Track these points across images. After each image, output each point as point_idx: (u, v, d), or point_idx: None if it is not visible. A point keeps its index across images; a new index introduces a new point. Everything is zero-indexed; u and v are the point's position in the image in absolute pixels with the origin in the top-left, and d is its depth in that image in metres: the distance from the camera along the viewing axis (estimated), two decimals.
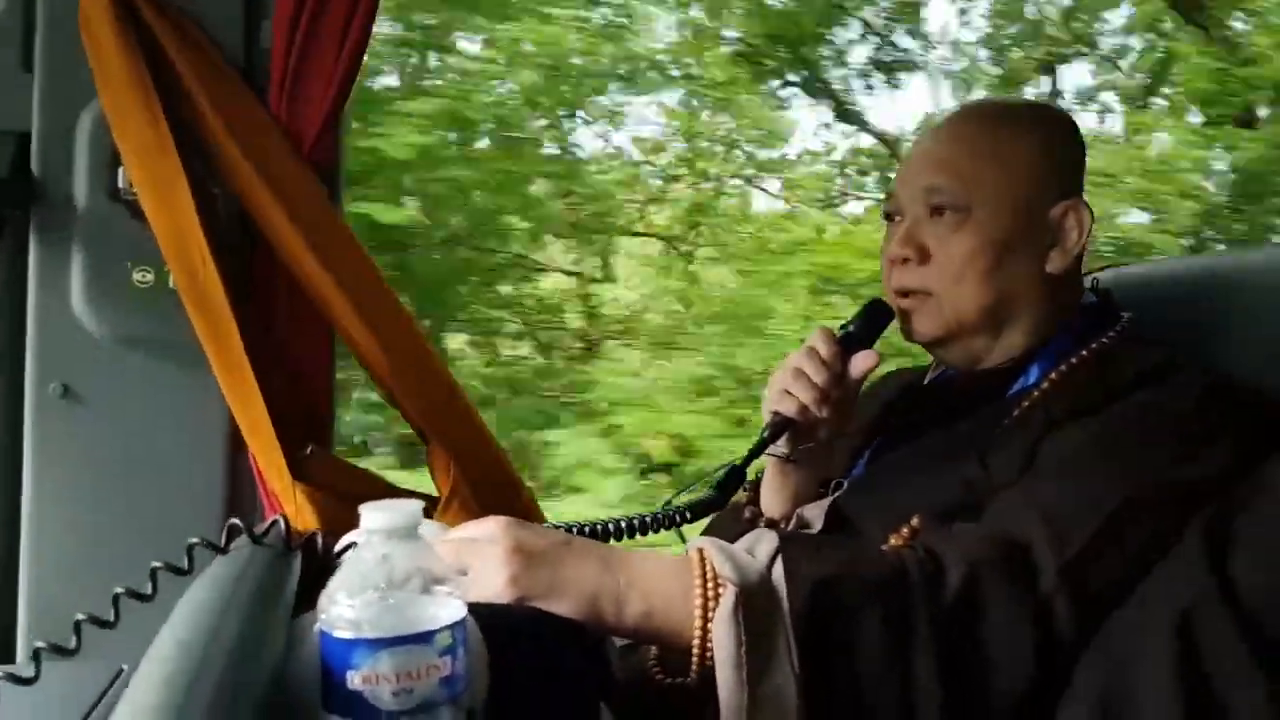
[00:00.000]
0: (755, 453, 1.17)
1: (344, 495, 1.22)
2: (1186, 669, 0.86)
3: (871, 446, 1.22)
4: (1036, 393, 1.07)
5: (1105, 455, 0.96)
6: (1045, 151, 1.13)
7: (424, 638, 0.62)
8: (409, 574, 0.64)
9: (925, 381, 1.26)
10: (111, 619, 0.80)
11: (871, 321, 1.19)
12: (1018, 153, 1.12)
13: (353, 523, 0.93)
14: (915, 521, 1.00)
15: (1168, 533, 0.92)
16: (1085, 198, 1.15)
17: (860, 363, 1.16)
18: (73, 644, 0.80)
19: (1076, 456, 0.97)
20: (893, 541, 1.00)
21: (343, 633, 0.62)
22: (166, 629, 0.73)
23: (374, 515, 0.65)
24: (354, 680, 0.61)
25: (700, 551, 0.88)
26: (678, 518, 1.12)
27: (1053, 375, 1.08)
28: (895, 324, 1.19)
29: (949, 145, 1.14)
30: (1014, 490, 0.97)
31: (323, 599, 0.64)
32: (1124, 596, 0.91)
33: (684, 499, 1.15)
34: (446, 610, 0.64)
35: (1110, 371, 1.04)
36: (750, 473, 1.20)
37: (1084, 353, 1.08)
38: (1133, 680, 0.87)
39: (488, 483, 1.32)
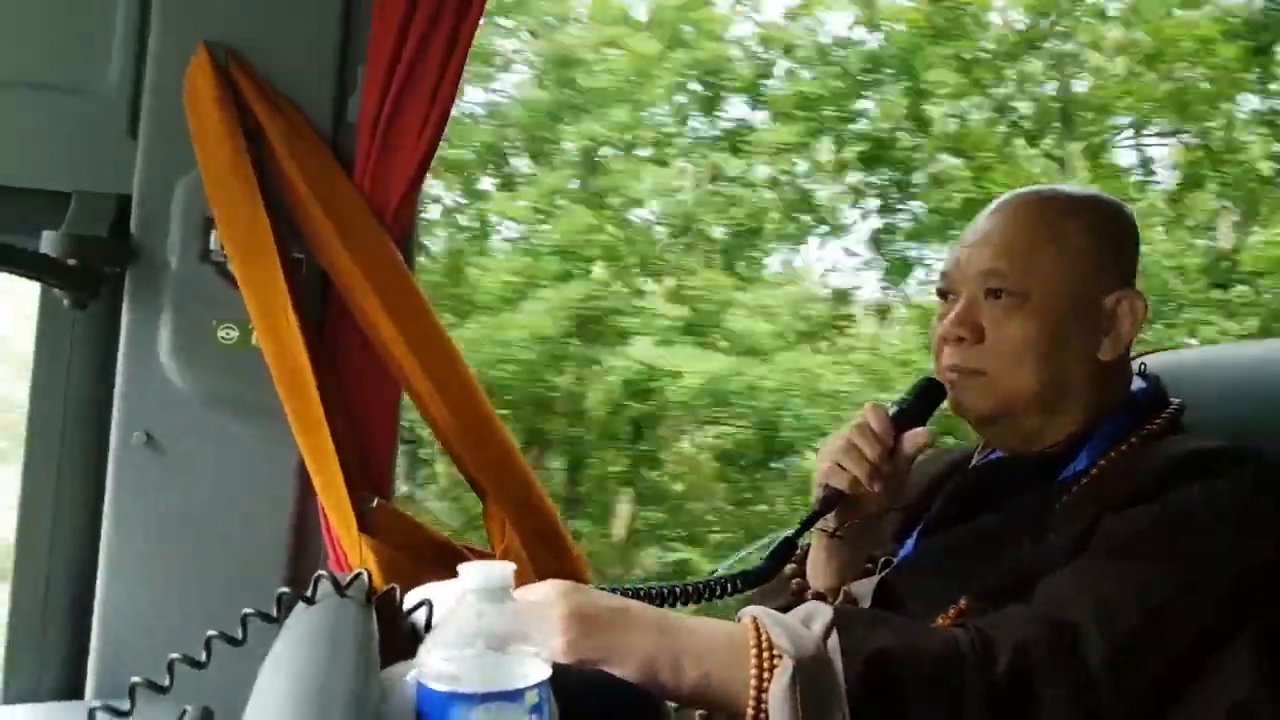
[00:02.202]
0: (806, 524, 1.18)
1: (404, 547, 1.27)
2: None
3: (919, 526, 1.22)
4: (1086, 478, 1.07)
5: (1157, 542, 0.96)
6: (1101, 240, 1.14)
7: (515, 695, 0.66)
8: (503, 633, 0.68)
9: (973, 464, 1.26)
10: (203, 659, 0.85)
11: (924, 399, 1.20)
12: (1076, 240, 1.13)
13: (412, 571, 0.97)
14: (963, 603, 1.02)
15: (1221, 623, 0.93)
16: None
17: (912, 440, 1.17)
18: (166, 682, 0.84)
19: (1128, 543, 0.97)
20: (940, 622, 1.01)
21: (440, 686, 0.66)
22: (271, 675, 0.77)
23: (472, 574, 0.69)
24: None
25: (755, 621, 0.90)
26: (730, 586, 1.13)
27: (1102, 461, 1.08)
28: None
29: (1009, 229, 1.15)
30: (1064, 573, 0.97)
31: (421, 652, 0.69)
32: (1177, 686, 0.91)
33: (736, 568, 1.18)
34: (534, 669, 0.68)
35: (1160, 458, 1.04)
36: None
37: (1134, 440, 1.09)
38: None
39: (540, 540, 1.36)
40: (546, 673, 0.69)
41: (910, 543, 1.22)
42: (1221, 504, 0.99)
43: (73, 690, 1.28)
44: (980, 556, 1.07)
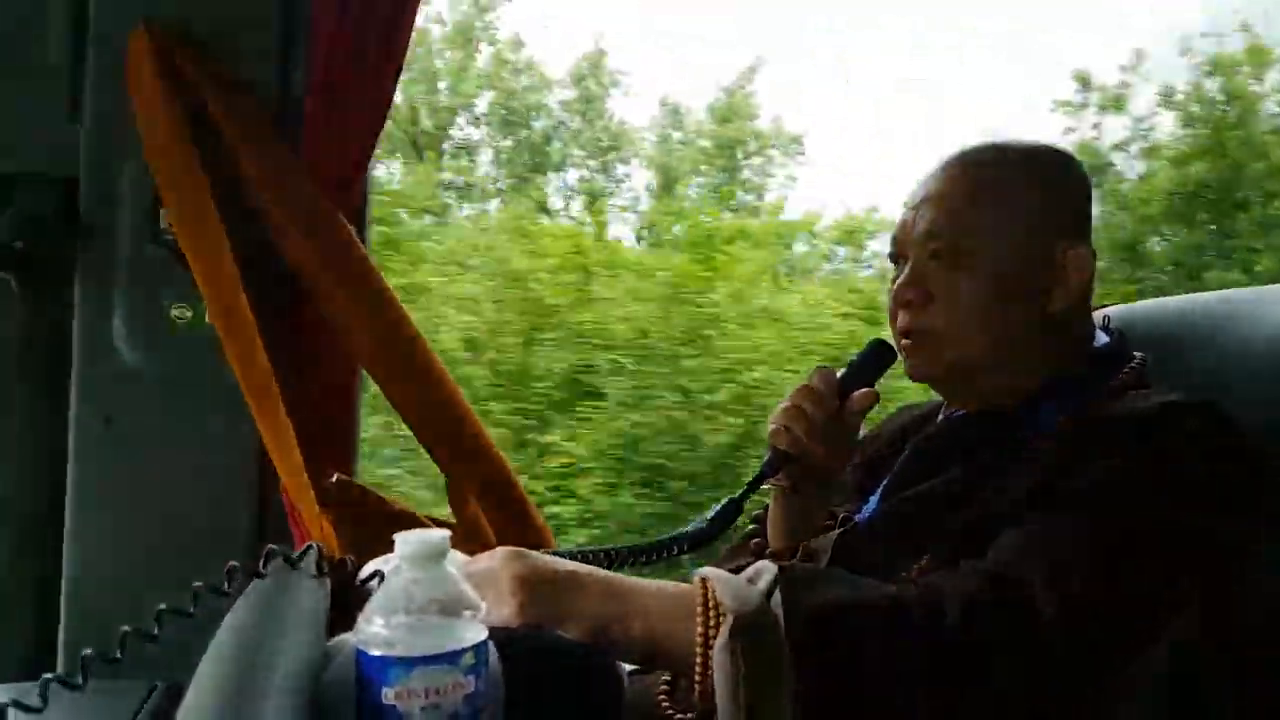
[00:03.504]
0: (752, 486, 1.20)
1: (367, 520, 1.28)
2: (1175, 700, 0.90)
3: (883, 483, 1.23)
4: (1049, 435, 1.06)
5: (1112, 499, 0.96)
6: (1044, 193, 1.14)
7: (451, 657, 0.67)
8: (437, 598, 0.70)
9: (940, 418, 1.25)
10: (154, 632, 0.86)
11: (873, 360, 1.21)
12: (1015, 193, 1.13)
13: (376, 545, 0.99)
14: (925, 561, 1.02)
15: (1174, 578, 0.93)
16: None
17: (859, 400, 1.19)
18: (117, 654, 0.85)
19: (1083, 499, 0.96)
20: (902, 579, 1.01)
21: (377, 651, 0.68)
22: (216, 647, 0.78)
23: (406, 544, 0.71)
24: (387, 696, 0.66)
25: (703, 580, 0.90)
26: (675, 549, 1.15)
27: (1063, 417, 1.08)
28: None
29: (947, 188, 1.15)
30: (1018, 529, 0.96)
31: (359, 620, 0.70)
32: (1128, 643, 0.91)
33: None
34: (470, 632, 0.70)
35: (1122, 413, 1.04)
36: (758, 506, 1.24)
37: (1096, 395, 1.09)
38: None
39: (506, 514, 1.37)
40: (483, 635, 0.71)
41: (874, 499, 1.23)
42: (1180, 460, 0.98)
43: (46, 668, 1.29)
44: (942, 514, 1.07)
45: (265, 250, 1.30)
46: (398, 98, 1.34)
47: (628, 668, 1.03)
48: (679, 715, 1.00)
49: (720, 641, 0.85)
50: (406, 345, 1.32)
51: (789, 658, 0.84)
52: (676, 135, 9.64)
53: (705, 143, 9.51)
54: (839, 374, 1.21)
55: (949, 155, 1.20)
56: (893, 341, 1.21)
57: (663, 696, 1.03)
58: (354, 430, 1.39)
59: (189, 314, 1.29)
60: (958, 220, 1.13)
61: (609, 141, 9.47)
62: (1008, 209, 1.12)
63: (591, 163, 9.42)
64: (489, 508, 1.35)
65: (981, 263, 1.11)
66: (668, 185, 9.12)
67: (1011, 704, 0.87)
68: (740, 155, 9.49)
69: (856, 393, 1.20)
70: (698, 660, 0.87)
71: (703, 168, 9.43)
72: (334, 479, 1.29)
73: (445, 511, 1.42)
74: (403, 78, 1.35)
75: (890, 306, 1.19)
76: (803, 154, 9.63)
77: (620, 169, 9.46)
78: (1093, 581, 0.90)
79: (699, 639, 0.87)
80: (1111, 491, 0.96)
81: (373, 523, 1.28)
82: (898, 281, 1.17)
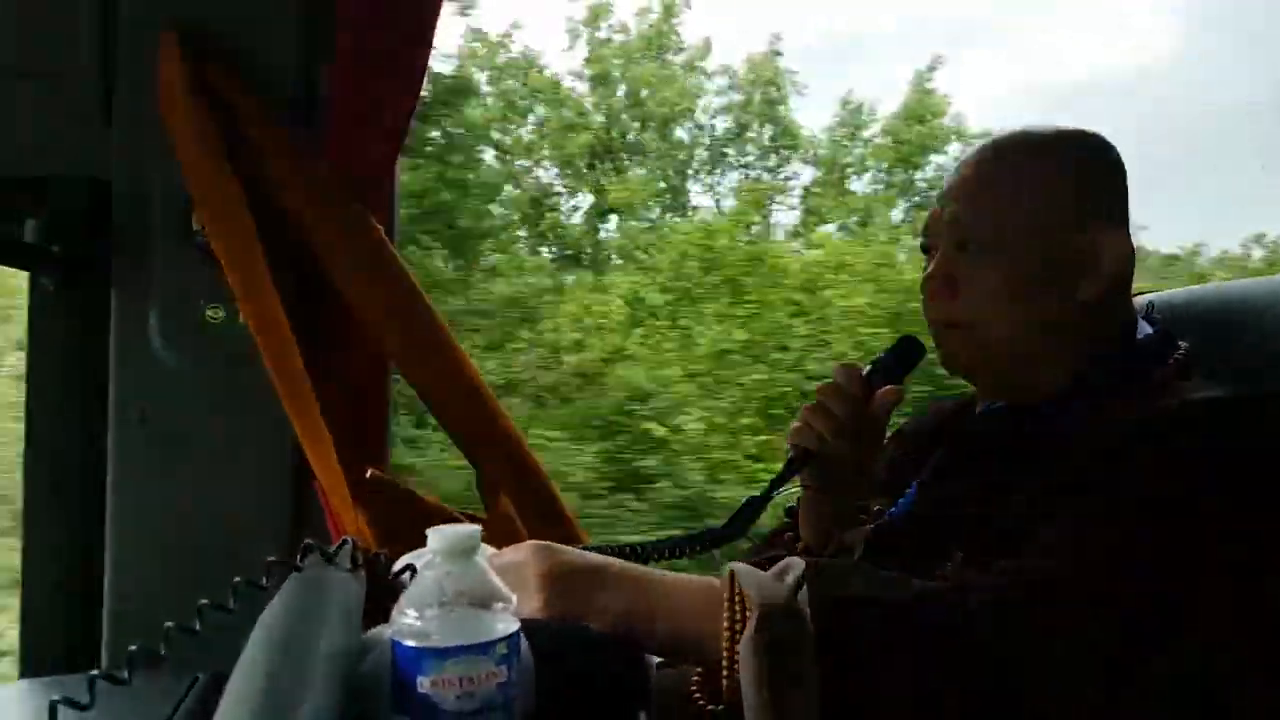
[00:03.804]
0: (775, 484, 1.20)
1: (401, 515, 1.29)
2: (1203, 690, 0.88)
3: (918, 478, 1.21)
4: (1087, 428, 1.03)
5: (1148, 498, 0.92)
6: (1070, 177, 1.11)
7: (483, 648, 0.69)
8: (469, 591, 0.71)
9: (977, 411, 1.23)
10: (196, 627, 0.88)
11: (900, 357, 1.21)
12: (1040, 179, 1.10)
13: (409, 540, 1.00)
14: (958, 558, 1.00)
15: (1208, 580, 0.90)
16: None
17: (884, 396, 1.19)
18: (161, 649, 0.88)
19: (1119, 497, 0.93)
20: (933, 576, 0.98)
21: (412, 642, 0.69)
22: (257, 639, 0.80)
23: (438, 538, 0.73)
24: (422, 685, 0.68)
25: (731, 574, 0.90)
26: (698, 545, 1.15)
27: (1101, 413, 1.04)
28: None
29: (973, 177, 1.14)
30: (1051, 527, 0.94)
31: (394, 612, 0.72)
32: (1159, 642, 0.88)
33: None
34: (502, 623, 0.72)
35: (1163, 408, 1.00)
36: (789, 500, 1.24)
37: (1137, 387, 1.06)
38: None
39: (535, 508, 1.39)
40: (515, 626, 0.73)
41: (909, 495, 1.21)
42: (1218, 461, 0.94)
43: (88, 663, 1.32)
44: (976, 511, 1.05)
45: (296, 250, 1.32)
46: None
47: (655, 660, 1.04)
48: (710, 706, 1.00)
49: (747, 635, 0.85)
50: (435, 341, 1.34)
51: (815, 652, 0.84)
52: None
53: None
54: (865, 370, 1.21)
55: (977, 145, 1.18)
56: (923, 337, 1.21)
57: (694, 688, 1.04)
58: (386, 426, 1.41)
59: (222, 314, 1.31)
60: (982, 209, 1.11)
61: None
62: (1032, 195, 1.10)
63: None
64: (519, 502, 1.36)
65: (1006, 251, 1.09)
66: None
67: (1039, 703, 0.85)
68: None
69: (881, 390, 1.20)
70: (725, 654, 0.88)
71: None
72: (368, 475, 1.31)
73: (477, 507, 1.44)
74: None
75: (922, 297, 1.18)
76: None
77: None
78: (1124, 582, 0.88)
79: (726, 632, 0.88)
80: (1147, 492, 0.93)
81: (406, 518, 1.29)
82: (926, 272, 1.16)
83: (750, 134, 9.63)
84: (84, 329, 1.33)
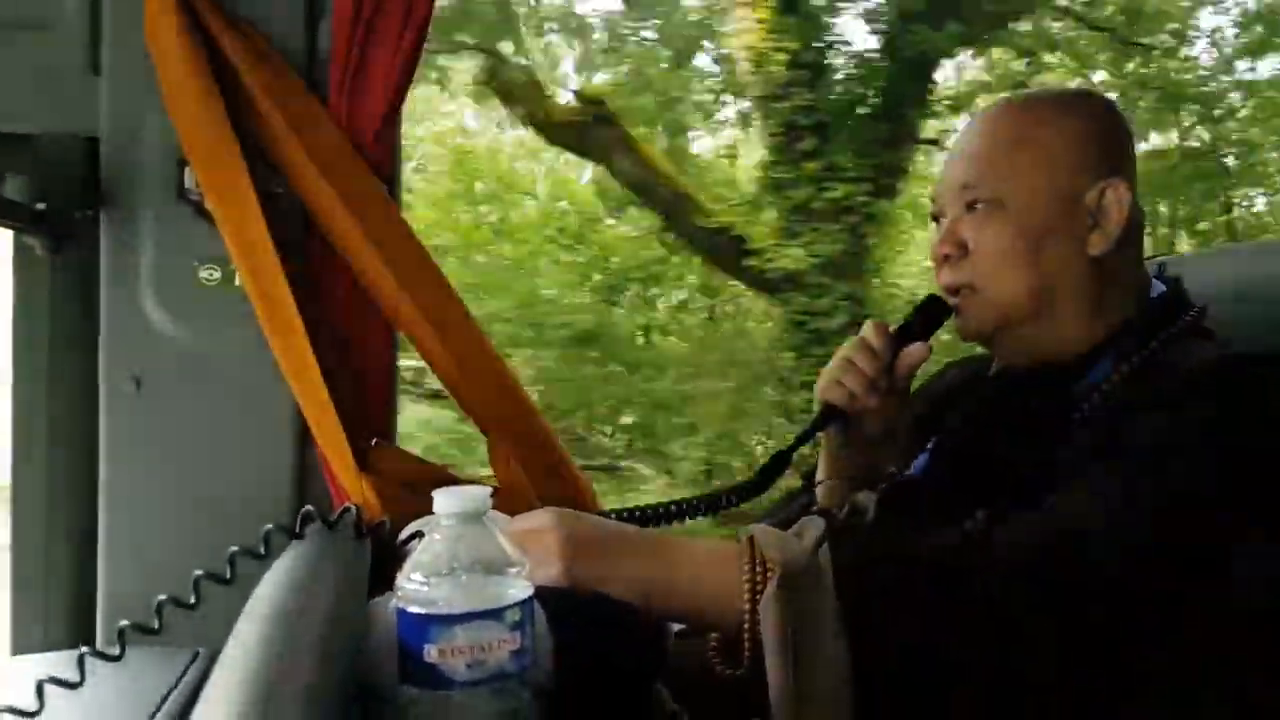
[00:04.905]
0: (801, 439, 1.20)
1: (407, 485, 1.25)
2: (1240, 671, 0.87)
3: (934, 440, 1.22)
4: (1106, 386, 1.05)
5: (1174, 451, 0.93)
6: (1077, 135, 1.12)
7: (495, 614, 0.65)
8: (480, 555, 0.66)
9: (991, 373, 1.24)
10: (192, 601, 0.84)
11: (926, 317, 1.21)
12: (1045, 139, 1.12)
13: (417, 510, 0.97)
14: (980, 516, 0.98)
15: (1231, 534, 0.90)
16: None
17: (910, 355, 1.18)
18: (155, 624, 0.83)
19: (1144, 451, 0.94)
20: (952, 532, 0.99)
21: (419, 609, 0.64)
22: (251, 610, 0.75)
23: (446, 500, 0.68)
24: (430, 654, 0.64)
25: (750, 537, 0.90)
26: (723, 501, 1.15)
27: (1123, 368, 1.06)
28: None
29: (978, 140, 1.15)
30: (1074, 482, 0.95)
31: (400, 579, 0.67)
32: (1189, 594, 0.89)
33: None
34: (515, 589, 0.67)
35: (1181, 365, 1.02)
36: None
37: (1153, 345, 1.06)
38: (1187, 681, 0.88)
39: (546, 474, 1.34)
40: (528, 591, 0.68)
41: (925, 456, 1.22)
42: (1239, 413, 0.95)
43: (85, 639, 1.28)
44: (996, 470, 1.05)
45: (294, 209, 1.26)
46: None
47: (675, 628, 1.02)
48: (729, 671, 0.98)
49: (768, 594, 0.84)
50: (442, 303, 1.29)
51: (836, 609, 0.83)
52: None
53: None
54: (892, 329, 1.20)
55: (982, 109, 1.20)
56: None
57: (713, 653, 1.02)
58: (391, 392, 1.36)
59: (218, 275, 1.26)
60: (987, 169, 1.12)
61: None
62: (1036, 153, 1.11)
63: None
64: (529, 468, 1.32)
65: (1013, 209, 1.10)
66: None
67: (1063, 656, 0.85)
68: None
69: (908, 347, 1.19)
70: (745, 615, 0.87)
71: None
72: (373, 443, 1.27)
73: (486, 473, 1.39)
74: None
75: (934, 263, 1.19)
76: None
77: None
78: (1150, 535, 0.88)
79: (746, 593, 0.87)
80: (1171, 445, 0.93)
81: (413, 487, 1.25)
82: (936, 240, 1.17)
83: None
84: (73, 292, 1.28)
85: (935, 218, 1.19)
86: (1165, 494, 0.90)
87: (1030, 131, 1.12)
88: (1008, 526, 0.91)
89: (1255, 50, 6.76)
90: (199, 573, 0.84)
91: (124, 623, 0.82)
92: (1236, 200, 7.34)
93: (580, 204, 7.53)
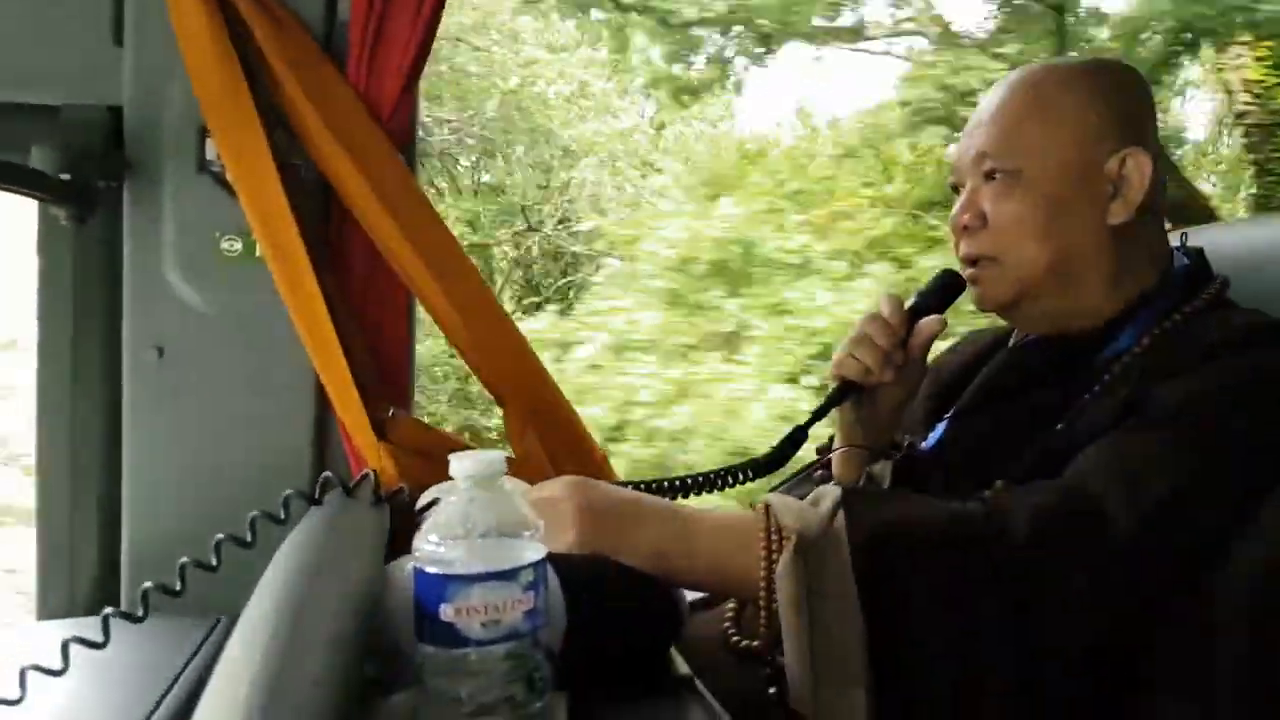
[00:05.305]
0: (818, 414, 1.20)
1: (424, 454, 1.26)
2: (1262, 630, 0.86)
3: (952, 410, 1.21)
4: (1128, 358, 1.04)
5: (1193, 416, 0.93)
6: (1096, 104, 1.10)
7: (509, 574, 0.66)
8: (495, 517, 0.67)
9: (1010, 344, 1.24)
10: (213, 562, 0.85)
11: (941, 291, 1.20)
12: (1064, 107, 1.10)
13: (433, 479, 0.98)
14: (999, 485, 0.97)
15: (1255, 496, 0.90)
16: None
17: (925, 327, 1.17)
18: (177, 585, 0.85)
19: (1163, 415, 0.94)
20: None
21: (436, 569, 0.66)
22: (272, 574, 0.77)
23: (462, 463, 0.69)
24: (446, 612, 0.65)
25: (765, 505, 0.90)
26: (741, 475, 1.14)
27: (1145, 340, 1.05)
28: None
29: (995, 108, 1.14)
30: (1094, 446, 0.95)
31: (417, 539, 0.68)
32: (1209, 559, 0.89)
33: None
34: (529, 551, 0.68)
35: (1205, 333, 1.02)
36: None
37: (1177, 317, 1.05)
38: (1209, 642, 0.87)
39: (562, 443, 1.35)
40: (542, 553, 0.69)
41: (942, 426, 1.22)
42: (1256, 376, 0.95)
43: (111, 604, 1.30)
44: (1015, 440, 1.05)
45: (314, 180, 1.27)
46: None
47: (690, 597, 1.02)
48: (745, 642, 0.99)
49: (784, 561, 0.85)
50: (458, 273, 1.29)
51: (853, 576, 0.84)
52: None
53: None
54: (907, 304, 1.19)
55: (1000, 79, 1.17)
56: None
57: (728, 624, 1.02)
58: (409, 361, 1.37)
59: (238, 245, 1.27)
60: (1006, 139, 1.11)
61: None
62: (1055, 122, 1.10)
63: None
64: (545, 439, 1.32)
65: (1032, 178, 1.09)
66: None
67: (1080, 618, 0.85)
68: None
69: (923, 320, 1.18)
70: (761, 583, 0.87)
71: None
72: (390, 413, 1.28)
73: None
74: None
75: (952, 235, 1.17)
76: None
77: None
78: (1169, 496, 0.88)
79: (762, 562, 0.87)
80: (1192, 408, 0.93)
81: (430, 456, 1.26)
82: (955, 210, 1.16)
83: None
84: (96, 263, 1.29)
85: (955, 188, 1.18)
86: (1185, 456, 0.90)
87: (1048, 99, 1.11)
88: (1026, 491, 0.91)
89: None
90: (220, 536, 0.86)
91: (147, 584, 0.84)
92: None
93: None
